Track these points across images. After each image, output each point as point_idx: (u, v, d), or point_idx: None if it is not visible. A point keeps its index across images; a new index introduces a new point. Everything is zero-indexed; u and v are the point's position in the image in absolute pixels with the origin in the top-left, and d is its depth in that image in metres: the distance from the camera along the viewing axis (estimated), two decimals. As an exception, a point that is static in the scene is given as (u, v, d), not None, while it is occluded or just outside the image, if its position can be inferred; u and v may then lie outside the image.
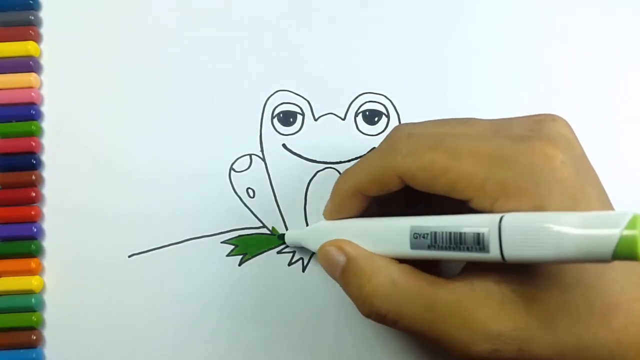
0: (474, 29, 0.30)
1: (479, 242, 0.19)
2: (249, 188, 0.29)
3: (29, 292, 0.28)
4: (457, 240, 0.19)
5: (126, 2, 0.30)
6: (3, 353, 0.28)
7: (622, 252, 0.16)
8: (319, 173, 0.29)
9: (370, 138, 0.29)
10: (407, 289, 0.21)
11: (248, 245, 0.29)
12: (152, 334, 0.28)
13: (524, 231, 0.18)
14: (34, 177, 0.29)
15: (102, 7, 0.30)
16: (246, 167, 0.29)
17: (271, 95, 0.30)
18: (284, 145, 0.29)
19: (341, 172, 0.29)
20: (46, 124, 0.30)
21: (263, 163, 0.29)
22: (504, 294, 0.20)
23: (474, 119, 0.23)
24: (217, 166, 0.29)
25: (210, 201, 0.29)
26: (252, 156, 0.29)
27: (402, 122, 0.29)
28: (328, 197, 0.28)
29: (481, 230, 0.19)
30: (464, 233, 0.19)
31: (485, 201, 0.20)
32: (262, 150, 0.29)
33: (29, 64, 0.29)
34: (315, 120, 0.29)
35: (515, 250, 0.18)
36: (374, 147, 0.29)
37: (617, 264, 0.19)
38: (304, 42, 0.30)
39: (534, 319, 0.19)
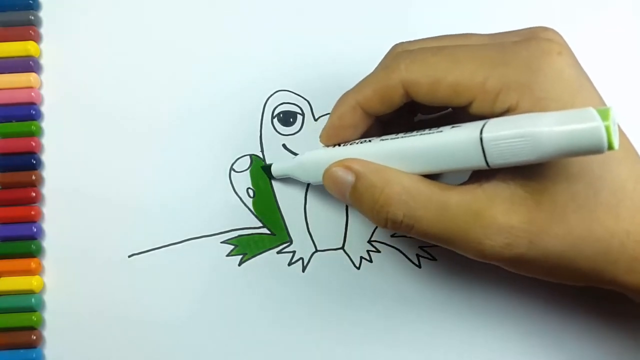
0: (473, 28, 0.30)
1: (464, 155, 0.20)
2: (249, 188, 0.29)
3: (29, 292, 0.28)
4: (444, 157, 0.21)
5: (126, 2, 0.30)
6: (3, 353, 0.28)
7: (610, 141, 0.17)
8: (319, 173, 0.29)
9: (370, 138, 0.29)
10: (420, 194, 0.21)
11: (248, 245, 0.29)
12: (152, 333, 0.28)
13: (503, 139, 0.18)
14: (34, 177, 0.29)
15: (102, 7, 0.30)
16: (246, 167, 0.29)
17: (271, 95, 0.30)
18: (284, 146, 0.29)
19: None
20: (46, 124, 0.30)
21: (263, 163, 0.29)
22: (512, 191, 0.20)
23: (472, 33, 0.23)
24: (217, 166, 0.29)
25: (210, 201, 0.29)
26: (252, 156, 0.29)
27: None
28: (328, 197, 0.28)
29: (463, 144, 0.20)
30: (449, 149, 0.20)
31: (487, 100, 0.20)
32: (262, 151, 0.29)
33: (29, 64, 0.29)
34: (315, 120, 0.29)
35: (499, 159, 0.19)
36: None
37: (621, 155, 0.20)
38: (304, 42, 0.30)
39: (544, 212, 0.20)
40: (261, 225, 0.29)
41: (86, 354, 0.28)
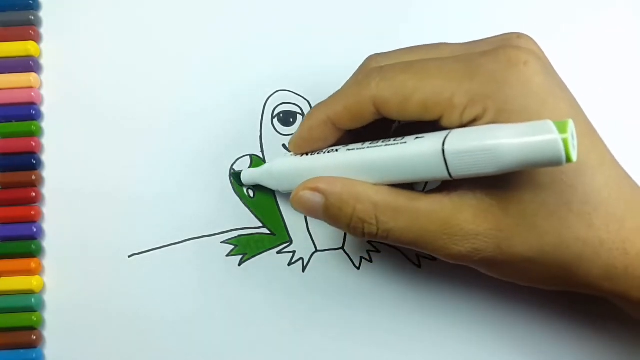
0: (475, 29, 0.30)
1: (428, 167, 0.20)
2: (249, 188, 0.29)
3: (29, 292, 0.28)
4: (408, 168, 0.21)
5: (126, 2, 0.30)
6: (3, 353, 0.28)
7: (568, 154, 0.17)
8: (319, 173, 0.29)
9: (370, 138, 0.29)
10: (389, 207, 0.22)
11: (248, 245, 0.29)
12: (152, 333, 0.28)
13: (464, 150, 0.19)
14: (34, 177, 0.29)
15: (102, 7, 0.30)
16: (246, 168, 0.29)
17: (271, 95, 0.30)
18: (284, 146, 0.29)
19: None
20: (46, 124, 0.30)
21: (263, 163, 0.29)
22: (479, 199, 0.21)
23: (445, 43, 0.23)
24: (217, 166, 0.29)
25: (210, 201, 0.29)
26: (252, 156, 0.29)
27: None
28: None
29: (426, 157, 0.20)
30: (412, 161, 0.20)
31: (454, 115, 0.20)
32: (262, 151, 0.29)
33: (29, 64, 0.29)
34: (315, 120, 0.29)
35: (461, 170, 0.19)
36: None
37: (595, 164, 0.20)
38: (304, 42, 0.30)
39: (511, 219, 0.20)
40: (261, 225, 0.29)
41: (86, 354, 0.28)
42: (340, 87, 0.24)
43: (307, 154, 0.25)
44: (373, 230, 0.22)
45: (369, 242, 0.29)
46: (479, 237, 0.21)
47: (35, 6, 0.30)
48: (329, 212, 0.23)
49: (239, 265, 0.28)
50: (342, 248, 0.29)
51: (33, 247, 0.28)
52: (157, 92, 0.30)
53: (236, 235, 0.29)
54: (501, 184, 0.20)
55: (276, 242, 0.29)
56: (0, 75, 0.29)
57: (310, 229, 0.29)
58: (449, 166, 0.19)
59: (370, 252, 0.28)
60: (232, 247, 0.29)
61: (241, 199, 0.29)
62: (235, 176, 0.29)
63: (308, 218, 0.29)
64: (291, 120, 0.29)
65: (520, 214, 0.20)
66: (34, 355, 0.28)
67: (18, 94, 0.29)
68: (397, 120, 0.26)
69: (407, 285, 0.28)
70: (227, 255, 0.29)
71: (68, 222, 0.29)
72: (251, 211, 0.29)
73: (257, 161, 0.29)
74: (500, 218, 0.21)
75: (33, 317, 0.28)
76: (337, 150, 0.24)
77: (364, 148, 0.22)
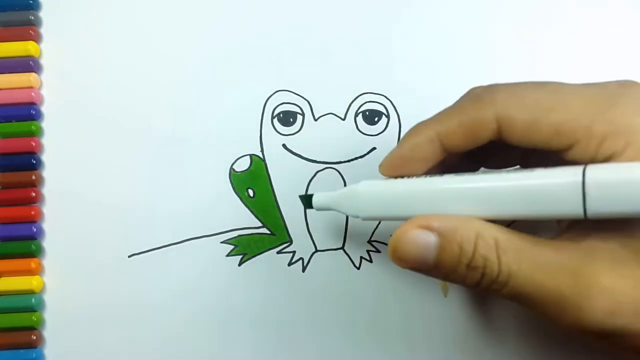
0: (474, 28, 0.30)
1: (560, 200, 0.17)
2: (249, 188, 0.29)
3: (29, 292, 0.28)
4: (536, 200, 0.18)
5: (126, 2, 0.30)
6: (3, 353, 0.28)
7: None
8: (319, 173, 0.29)
9: (370, 138, 0.29)
10: (513, 248, 0.19)
11: (248, 245, 0.29)
12: (152, 333, 0.28)
13: (609, 184, 0.16)
14: (34, 177, 0.29)
15: (102, 7, 0.30)
16: (246, 167, 0.29)
17: (271, 95, 0.30)
18: (284, 146, 0.29)
19: (341, 172, 0.29)
20: (46, 124, 0.30)
21: (263, 163, 0.29)
22: (612, 249, 0.18)
23: (567, 83, 0.21)
24: (217, 166, 0.29)
25: (210, 201, 0.29)
26: (252, 156, 0.29)
27: (402, 122, 0.29)
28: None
29: (562, 187, 0.17)
30: (543, 191, 0.18)
31: (590, 145, 0.18)
32: (262, 150, 0.29)
33: (29, 64, 0.29)
34: (315, 120, 0.29)
35: (600, 207, 0.17)
36: (375, 148, 0.29)
37: None
38: (304, 42, 0.30)
39: None
40: (261, 225, 0.29)
41: (86, 354, 0.28)
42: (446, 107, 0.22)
43: (400, 177, 0.22)
44: (494, 270, 0.19)
45: (369, 242, 0.29)
46: (617, 295, 0.18)
47: (35, 6, 0.30)
48: (445, 253, 0.19)
49: (239, 265, 0.28)
50: (342, 248, 0.29)
51: (33, 247, 0.28)
52: (157, 92, 0.30)
53: (236, 235, 0.29)
54: (636, 233, 0.18)
55: (276, 242, 0.29)
56: (0, 75, 0.29)
57: (310, 229, 0.29)
58: (587, 200, 0.17)
59: (370, 252, 0.28)
60: (232, 247, 0.29)
61: (241, 199, 0.29)
62: (306, 199, 0.25)
63: (308, 217, 0.29)
64: (291, 120, 0.29)
65: None
66: (34, 355, 0.28)
67: (18, 94, 0.29)
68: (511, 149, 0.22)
69: (406, 285, 0.28)
70: (227, 255, 0.29)
71: (68, 222, 0.29)
72: (251, 211, 0.29)
73: (257, 161, 0.29)
74: (638, 273, 0.18)
75: (33, 317, 0.28)
76: (441, 175, 0.20)
77: (477, 174, 0.20)
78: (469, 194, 0.19)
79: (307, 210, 0.29)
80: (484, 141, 0.20)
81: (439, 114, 0.21)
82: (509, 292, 0.19)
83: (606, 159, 0.18)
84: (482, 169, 0.22)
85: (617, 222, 0.18)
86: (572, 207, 0.17)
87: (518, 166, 0.22)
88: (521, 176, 0.18)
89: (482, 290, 0.20)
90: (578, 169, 0.17)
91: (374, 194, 0.22)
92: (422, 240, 0.20)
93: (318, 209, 0.25)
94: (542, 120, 0.19)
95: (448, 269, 0.20)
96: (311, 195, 0.25)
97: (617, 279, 0.18)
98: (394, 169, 0.22)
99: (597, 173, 0.17)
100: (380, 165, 0.22)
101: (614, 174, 0.17)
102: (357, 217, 0.23)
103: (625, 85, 0.19)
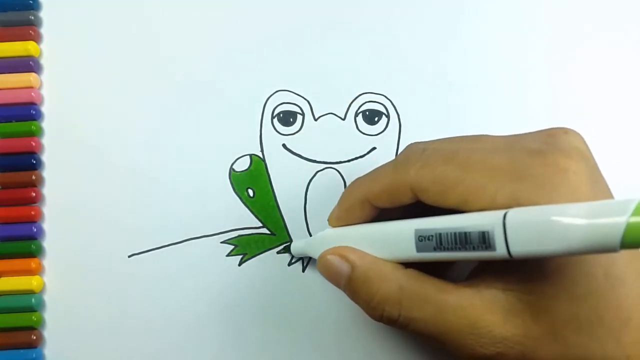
0: (474, 29, 0.30)
1: (484, 241, 0.19)
2: (248, 188, 0.29)
3: (29, 292, 0.28)
4: (462, 240, 0.19)
5: (126, 2, 0.30)
6: (3, 353, 0.28)
7: (630, 240, 0.16)
8: (319, 173, 0.29)
9: (370, 138, 0.29)
10: (417, 295, 0.21)
11: (248, 245, 0.29)
12: (152, 334, 0.28)
13: (529, 225, 0.17)
14: (34, 177, 0.29)
15: (102, 7, 0.30)
16: (246, 167, 0.29)
17: (271, 95, 0.30)
18: (284, 145, 0.29)
19: (341, 172, 0.29)
20: (46, 124, 0.30)
21: (263, 163, 0.29)
22: (510, 302, 0.20)
23: (488, 135, 0.23)
24: (217, 166, 0.29)
25: (210, 201, 0.29)
26: (252, 156, 0.29)
27: (402, 122, 0.29)
28: (328, 197, 0.28)
29: (486, 228, 0.18)
30: (469, 232, 0.19)
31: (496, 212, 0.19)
32: (262, 150, 0.29)
33: (29, 64, 0.29)
34: (315, 120, 0.29)
35: (522, 246, 0.18)
36: (375, 147, 0.29)
37: (631, 279, 0.19)
38: (304, 42, 0.30)
39: (540, 328, 0.20)
40: (261, 225, 0.29)
41: (86, 354, 0.28)
42: (380, 166, 0.24)
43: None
44: (394, 314, 0.22)
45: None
46: (506, 342, 0.20)
47: (35, 6, 0.30)
48: (352, 284, 0.23)
49: (239, 265, 0.28)
50: (342, 248, 0.29)
51: (33, 247, 0.28)
52: (157, 92, 0.30)
53: (236, 235, 0.29)
54: (535, 291, 0.20)
55: (276, 242, 0.29)
56: (0, 75, 0.29)
57: (310, 230, 0.29)
58: (509, 239, 0.18)
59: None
60: (232, 247, 0.29)
61: (241, 199, 0.29)
62: (286, 249, 0.28)
63: (308, 217, 0.29)
64: (291, 120, 0.29)
65: (550, 324, 0.20)
66: (34, 355, 0.28)
67: (18, 94, 0.29)
68: None
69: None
70: (227, 255, 0.29)
71: (68, 221, 0.29)
72: (251, 211, 0.29)
73: (257, 161, 0.29)
74: (529, 325, 0.20)
75: (33, 317, 0.28)
76: (375, 224, 0.23)
77: (409, 220, 0.21)
78: (397, 232, 0.22)
79: (307, 210, 0.29)
80: (407, 202, 0.22)
81: (369, 176, 0.24)
82: (411, 331, 0.22)
83: None
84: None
85: (520, 274, 0.20)
86: (497, 248, 0.18)
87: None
88: (448, 218, 0.20)
89: (387, 325, 0.23)
90: (499, 212, 0.18)
91: (324, 241, 0.25)
92: (335, 266, 0.23)
93: (296, 256, 0.28)
94: (450, 191, 0.20)
95: (353, 298, 0.23)
96: (289, 246, 0.28)
97: (509, 329, 0.20)
98: (337, 223, 0.25)
99: (518, 213, 0.18)
100: (328, 219, 0.26)
101: (533, 214, 0.17)
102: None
103: (534, 156, 0.20)
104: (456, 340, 0.21)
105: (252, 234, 0.29)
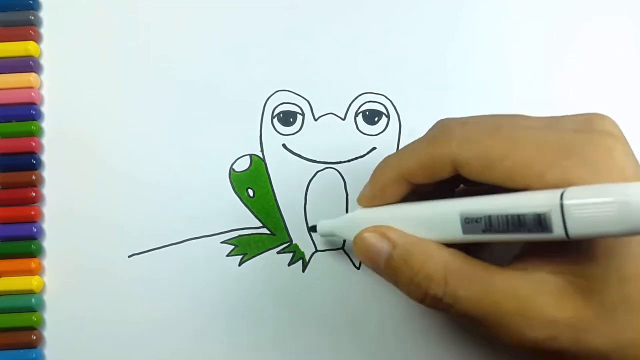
0: (474, 29, 0.30)
1: (540, 223, 0.18)
2: (248, 188, 0.29)
3: (29, 292, 0.28)
4: (515, 223, 0.19)
5: (126, 3, 0.30)
6: (3, 353, 0.28)
7: None
8: (319, 173, 0.29)
9: (370, 138, 0.29)
10: (463, 273, 0.21)
11: (248, 245, 0.29)
12: (152, 334, 0.28)
13: (589, 207, 0.17)
14: (34, 177, 0.29)
15: (102, 7, 0.30)
16: (246, 167, 0.29)
17: (271, 95, 0.30)
18: (284, 145, 0.29)
19: (341, 172, 0.29)
20: (46, 124, 0.30)
21: (263, 163, 0.29)
22: (560, 285, 0.20)
23: (525, 114, 0.22)
24: (217, 166, 0.29)
25: (210, 201, 0.29)
26: (252, 156, 0.29)
27: (402, 122, 0.29)
28: (328, 197, 0.28)
29: (542, 209, 0.18)
30: (524, 215, 0.18)
31: (544, 190, 0.19)
32: (262, 150, 0.29)
33: (29, 64, 0.29)
34: (315, 120, 0.29)
35: (582, 228, 0.17)
36: (375, 147, 0.29)
37: None
38: (304, 42, 0.30)
39: (592, 310, 0.19)
40: (261, 225, 0.29)
41: (86, 354, 0.28)
42: (411, 142, 0.23)
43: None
44: (439, 292, 0.21)
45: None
46: (558, 326, 0.19)
47: (35, 6, 0.30)
48: (393, 263, 0.22)
49: (239, 265, 0.28)
50: (342, 248, 0.29)
51: (33, 247, 0.28)
52: (157, 92, 0.30)
53: (236, 235, 0.29)
54: (585, 271, 0.19)
55: (276, 242, 0.29)
56: (0, 75, 0.29)
57: (310, 229, 0.29)
58: (568, 223, 0.17)
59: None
60: (232, 247, 0.29)
61: (241, 199, 0.29)
62: (312, 228, 0.28)
63: (308, 217, 0.29)
64: (291, 120, 0.29)
65: (601, 305, 0.19)
66: (34, 355, 0.28)
67: (18, 94, 0.29)
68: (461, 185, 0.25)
69: (407, 285, 0.28)
70: (227, 255, 0.29)
71: (68, 221, 0.29)
72: (251, 211, 0.29)
73: (257, 161, 0.29)
74: (581, 308, 0.19)
75: (33, 317, 0.28)
76: (420, 202, 0.22)
77: (455, 199, 0.21)
78: (444, 212, 0.21)
79: (307, 211, 0.29)
80: (446, 177, 0.21)
81: (403, 151, 0.23)
82: (456, 313, 0.21)
83: None
84: (462, 186, 0.22)
85: (568, 256, 0.20)
86: (554, 230, 0.18)
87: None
88: (503, 197, 0.19)
89: (430, 307, 0.22)
90: (555, 192, 0.18)
91: (363, 220, 0.24)
92: (375, 245, 0.22)
93: (323, 235, 0.27)
94: (496, 165, 0.20)
95: (394, 278, 0.22)
96: (314, 226, 0.27)
97: (560, 311, 0.19)
98: (371, 203, 0.24)
99: (576, 193, 0.17)
100: (358, 200, 0.24)
101: (593, 193, 0.17)
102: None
103: (580, 135, 0.19)
104: (504, 323, 0.20)
105: (252, 234, 0.29)
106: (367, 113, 0.29)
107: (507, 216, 0.19)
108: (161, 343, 0.28)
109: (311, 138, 0.29)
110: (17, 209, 0.29)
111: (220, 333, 0.28)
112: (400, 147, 0.29)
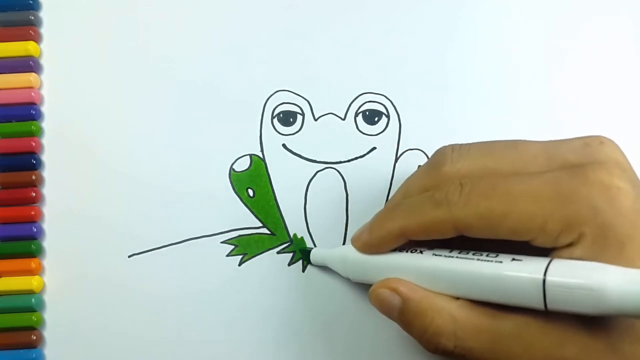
0: (474, 29, 0.30)
1: (523, 294, 0.20)
2: (248, 188, 0.29)
3: (29, 292, 0.28)
4: (500, 290, 0.20)
5: (126, 3, 0.30)
6: (3, 353, 0.28)
7: None
8: (319, 173, 0.29)
9: (370, 138, 0.29)
10: (471, 325, 0.21)
11: (248, 245, 0.29)
12: (152, 334, 0.28)
13: (567, 287, 0.18)
14: (34, 177, 0.29)
15: (102, 7, 0.30)
16: (246, 167, 0.29)
17: (271, 95, 0.30)
18: (284, 145, 0.29)
19: (341, 172, 0.29)
20: (46, 124, 0.30)
21: (263, 163, 0.29)
22: (566, 323, 0.20)
23: (523, 141, 0.23)
24: (217, 166, 0.29)
25: (210, 201, 0.29)
26: (252, 156, 0.29)
27: (402, 122, 0.29)
28: (328, 197, 0.28)
29: (524, 284, 0.19)
30: (508, 284, 0.20)
31: (548, 239, 0.20)
32: (262, 150, 0.29)
33: (29, 64, 0.29)
34: (315, 120, 0.29)
35: (558, 304, 0.19)
36: (375, 147, 0.29)
37: None
38: (304, 42, 0.30)
39: (598, 343, 0.20)
40: (261, 225, 0.29)
41: (86, 354, 0.28)
42: (410, 184, 0.24)
43: None
44: (449, 346, 0.22)
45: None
46: None
47: (35, 6, 0.30)
48: (405, 317, 0.23)
49: (239, 265, 0.28)
50: (342, 248, 0.29)
51: (33, 247, 0.28)
52: (157, 92, 0.30)
53: (236, 235, 0.29)
54: (603, 324, 0.20)
55: (276, 242, 0.29)
56: (0, 75, 0.29)
57: (310, 229, 0.29)
58: (547, 298, 0.19)
59: (370, 252, 0.28)
60: (232, 247, 0.29)
61: (241, 199, 0.29)
62: (305, 253, 0.28)
63: (308, 217, 0.29)
64: (291, 120, 0.29)
65: (607, 338, 0.20)
66: (34, 355, 0.28)
67: (18, 94, 0.29)
68: None
69: (407, 285, 0.28)
70: (227, 255, 0.29)
71: (68, 221, 0.29)
72: (251, 211, 0.29)
73: (257, 161, 0.29)
74: (587, 342, 0.20)
75: (33, 317, 0.28)
76: (421, 253, 0.23)
77: (452, 257, 0.22)
78: (442, 273, 0.22)
79: (307, 210, 0.29)
80: (447, 237, 0.22)
81: (407, 207, 0.23)
82: None
83: (565, 247, 0.20)
84: (455, 252, 0.23)
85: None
86: (533, 301, 0.19)
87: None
88: (491, 266, 0.21)
89: (444, 356, 0.22)
90: (541, 266, 0.19)
91: (361, 262, 0.25)
92: (387, 300, 0.23)
93: (315, 264, 0.28)
94: (498, 225, 0.21)
95: (408, 330, 0.23)
96: (309, 250, 0.28)
97: (567, 348, 0.20)
98: (367, 251, 0.24)
99: (557, 273, 0.19)
100: (354, 242, 0.25)
101: (572, 276, 0.18)
102: (348, 278, 0.26)
103: (576, 176, 0.20)
104: None
105: (252, 234, 0.29)
106: (367, 113, 0.29)
107: (493, 284, 0.20)
108: (161, 343, 0.28)
109: (311, 138, 0.29)
110: (17, 209, 0.29)
111: (220, 333, 0.28)
112: (399, 148, 0.29)
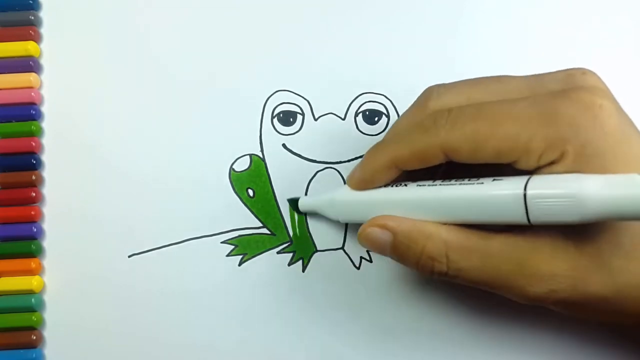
0: (474, 29, 0.30)
1: (505, 211, 0.20)
2: (248, 188, 0.29)
3: (29, 292, 0.28)
4: (484, 210, 0.21)
5: (126, 2, 0.30)
6: (3, 353, 0.28)
7: None
8: (319, 173, 0.29)
9: (370, 138, 0.29)
10: (461, 246, 0.22)
11: (248, 245, 0.29)
12: (152, 334, 0.28)
13: (547, 197, 0.19)
14: (34, 177, 0.29)
15: (102, 7, 0.30)
16: (246, 167, 0.29)
17: (271, 95, 0.30)
18: (284, 145, 0.29)
19: (341, 172, 0.29)
20: (46, 124, 0.30)
21: (263, 163, 0.29)
22: (554, 239, 0.21)
23: (507, 76, 0.23)
24: (217, 166, 0.29)
25: (210, 201, 0.29)
26: (252, 156, 0.29)
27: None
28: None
29: (506, 200, 0.20)
30: (490, 202, 0.20)
31: (531, 159, 0.20)
32: (262, 150, 0.29)
33: (29, 64, 0.29)
34: (315, 120, 0.29)
35: (541, 217, 0.19)
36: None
37: None
38: (304, 42, 0.30)
39: (587, 259, 0.20)
40: (261, 225, 0.29)
41: (86, 354, 0.28)
42: (399, 122, 0.24)
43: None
44: (443, 268, 0.22)
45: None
46: (556, 278, 0.21)
47: (35, 6, 0.30)
48: (397, 249, 0.23)
49: (239, 265, 0.28)
50: (342, 248, 0.29)
51: (33, 247, 0.28)
52: (157, 92, 0.30)
53: (236, 235, 0.29)
54: (577, 226, 0.20)
55: (276, 242, 0.29)
56: (0, 75, 0.29)
57: (310, 229, 0.29)
58: (529, 211, 0.19)
59: (371, 252, 0.28)
60: (232, 247, 0.29)
61: (241, 199, 0.29)
62: (292, 202, 0.28)
63: (308, 217, 0.29)
64: (291, 120, 0.29)
65: (596, 253, 0.20)
66: (34, 355, 0.28)
67: (18, 94, 0.29)
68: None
69: (407, 284, 0.28)
70: (227, 255, 0.29)
71: (68, 221, 0.29)
72: (251, 211, 0.29)
73: (257, 161, 0.29)
74: (576, 258, 0.20)
75: (33, 317, 0.28)
76: (406, 185, 0.23)
77: (435, 185, 0.22)
78: (427, 202, 0.22)
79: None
80: (437, 163, 0.22)
81: (394, 139, 0.24)
82: (462, 281, 0.22)
83: (546, 166, 0.20)
84: (438, 181, 0.23)
85: None
86: (516, 216, 0.20)
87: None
88: (473, 188, 0.21)
89: (439, 280, 0.23)
90: (521, 183, 0.20)
91: (349, 202, 0.25)
92: (378, 237, 0.23)
93: (304, 212, 0.28)
94: (483, 146, 0.21)
95: (402, 261, 0.24)
96: (297, 199, 0.28)
97: (556, 265, 0.20)
98: (360, 187, 0.25)
99: (536, 186, 0.19)
100: (347, 180, 0.25)
101: (551, 187, 0.19)
102: (338, 220, 0.27)
103: (559, 98, 0.21)
104: (507, 284, 0.21)
105: (252, 234, 0.29)
106: (367, 113, 0.29)
107: (477, 204, 0.21)
108: (160, 343, 0.28)
109: (311, 138, 0.29)
110: (17, 209, 0.29)
111: (219, 333, 0.28)
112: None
